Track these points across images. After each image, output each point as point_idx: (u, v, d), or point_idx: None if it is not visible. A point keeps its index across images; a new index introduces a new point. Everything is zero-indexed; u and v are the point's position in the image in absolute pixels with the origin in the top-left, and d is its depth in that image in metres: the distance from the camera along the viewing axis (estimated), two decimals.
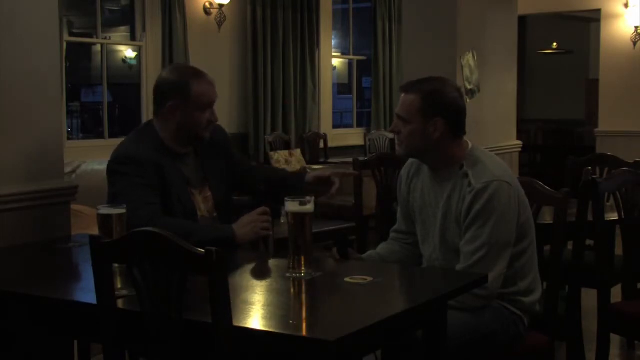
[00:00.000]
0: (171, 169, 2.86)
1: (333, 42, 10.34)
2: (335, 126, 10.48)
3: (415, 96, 2.64)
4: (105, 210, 2.37)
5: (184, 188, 2.88)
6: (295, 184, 3.08)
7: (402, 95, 2.69)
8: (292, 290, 2.33)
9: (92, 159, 6.19)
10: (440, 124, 2.62)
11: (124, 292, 2.14)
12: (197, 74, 2.91)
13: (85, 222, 3.62)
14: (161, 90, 2.91)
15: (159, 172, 2.81)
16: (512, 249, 2.59)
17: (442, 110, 2.62)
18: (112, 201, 2.73)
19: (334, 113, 10.42)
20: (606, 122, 8.71)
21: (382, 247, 2.94)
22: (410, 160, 2.86)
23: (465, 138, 2.71)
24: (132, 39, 8.29)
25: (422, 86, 2.66)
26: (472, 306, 2.51)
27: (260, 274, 2.61)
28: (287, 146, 9.02)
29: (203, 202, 2.96)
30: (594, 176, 3.96)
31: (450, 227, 2.65)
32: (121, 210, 2.37)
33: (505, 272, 2.57)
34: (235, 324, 1.86)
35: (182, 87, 2.85)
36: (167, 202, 2.82)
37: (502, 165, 2.69)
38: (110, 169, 2.85)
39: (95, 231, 2.37)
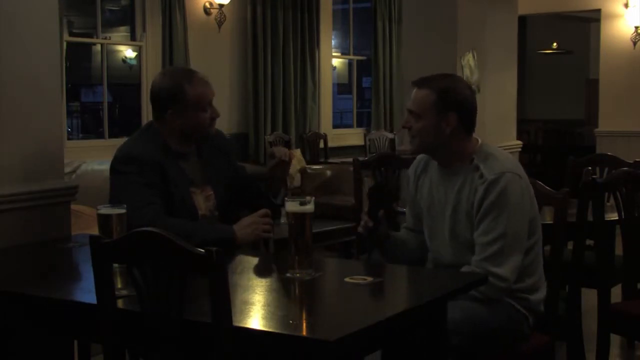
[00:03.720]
0: (173, 169, 2.86)
1: (333, 42, 10.34)
2: (335, 126, 10.48)
3: (430, 91, 2.65)
4: (105, 210, 2.37)
5: (186, 187, 2.89)
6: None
7: (415, 90, 2.69)
8: (292, 290, 2.33)
9: (92, 159, 6.19)
10: (453, 120, 2.63)
11: (124, 292, 2.13)
12: (189, 76, 2.90)
13: (85, 222, 3.62)
14: (158, 99, 2.91)
15: (160, 171, 2.82)
16: (526, 243, 2.59)
17: (456, 106, 2.63)
18: (113, 200, 2.73)
19: (334, 113, 10.41)
20: (606, 122, 8.71)
21: (403, 232, 2.94)
22: (418, 158, 2.86)
23: (474, 135, 2.72)
24: (132, 39, 8.29)
25: (436, 82, 2.67)
26: (489, 296, 2.52)
27: (260, 274, 2.61)
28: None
29: (204, 201, 2.96)
30: (594, 176, 3.96)
31: (461, 220, 2.65)
32: (121, 210, 2.37)
33: (520, 265, 2.57)
34: (235, 324, 1.86)
35: (177, 93, 2.85)
36: (169, 201, 2.82)
37: (512, 159, 2.71)
38: (113, 168, 2.86)
39: (95, 231, 2.37)
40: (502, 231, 2.54)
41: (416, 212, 2.88)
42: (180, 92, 2.85)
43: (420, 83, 2.70)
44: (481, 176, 2.59)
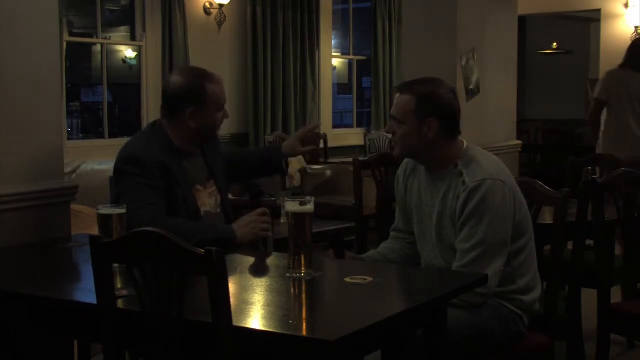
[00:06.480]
0: (177, 169, 2.87)
1: (333, 42, 10.34)
2: (335, 126, 10.47)
3: (410, 97, 2.64)
4: (105, 210, 2.38)
5: (188, 187, 2.90)
6: (275, 164, 3.25)
7: (397, 95, 2.69)
8: (292, 290, 2.33)
9: (92, 159, 6.19)
10: (435, 125, 2.62)
11: (124, 292, 2.14)
12: (209, 76, 2.92)
13: (85, 222, 3.62)
14: (177, 97, 2.89)
15: (164, 172, 2.82)
16: (509, 247, 2.59)
17: (437, 111, 2.62)
18: (117, 200, 2.73)
19: (334, 113, 10.41)
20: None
21: (383, 246, 2.95)
22: (406, 159, 2.86)
23: (461, 137, 2.71)
24: (132, 39, 8.29)
25: (416, 87, 2.66)
26: (469, 303, 2.52)
27: (260, 274, 2.61)
28: None
29: (208, 198, 2.99)
30: (594, 176, 3.96)
31: (446, 226, 2.65)
32: (121, 210, 2.38)
33: (502, 270, 2.57)
34: (235, 324, 1.86)
35: (199, 92, 2.86)
36: (172, 202, 2.83)
37: (497, 163, 2.68)
38: (117, 169, 2.86)
39: (95, 231, 2.37)
40: (482, 238, 2.53)
41: (405, 212, 2.88)
42: (203, 90, 2.86)
43: (402, 88, 2.69)
44: (464, 183, 2.59)
